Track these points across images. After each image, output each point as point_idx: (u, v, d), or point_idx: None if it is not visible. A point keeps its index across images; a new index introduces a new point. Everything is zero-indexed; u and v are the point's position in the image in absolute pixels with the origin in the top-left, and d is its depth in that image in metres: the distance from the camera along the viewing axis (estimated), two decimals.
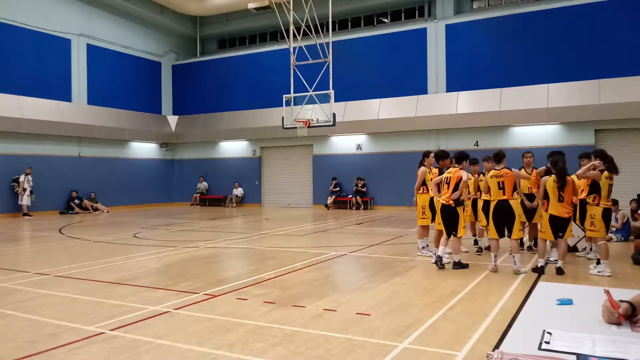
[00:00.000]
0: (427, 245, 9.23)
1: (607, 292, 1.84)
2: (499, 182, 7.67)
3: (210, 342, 4.47)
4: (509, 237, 7.73)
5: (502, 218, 7.69)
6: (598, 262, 7.51)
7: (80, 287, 6.83)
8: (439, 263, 7.84)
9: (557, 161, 7.44)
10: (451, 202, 7.90)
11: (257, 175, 24.18)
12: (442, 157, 8.60)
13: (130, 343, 4.46)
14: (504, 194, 7.65)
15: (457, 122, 19.21)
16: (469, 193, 9.36)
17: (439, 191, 8.17)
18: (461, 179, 7.88)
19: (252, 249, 10.46)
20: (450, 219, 7.95)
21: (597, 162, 7.67)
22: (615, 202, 11.13)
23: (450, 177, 8.02)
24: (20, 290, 6.67)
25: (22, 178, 18.63)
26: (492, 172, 7.83)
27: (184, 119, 25.78)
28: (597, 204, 7.59)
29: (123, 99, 23.34)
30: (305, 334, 4.69)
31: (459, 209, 7.95)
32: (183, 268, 8.23)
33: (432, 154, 9.36)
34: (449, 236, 8.00)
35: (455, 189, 7.89)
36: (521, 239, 8.84)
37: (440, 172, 8.52)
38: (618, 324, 1.74)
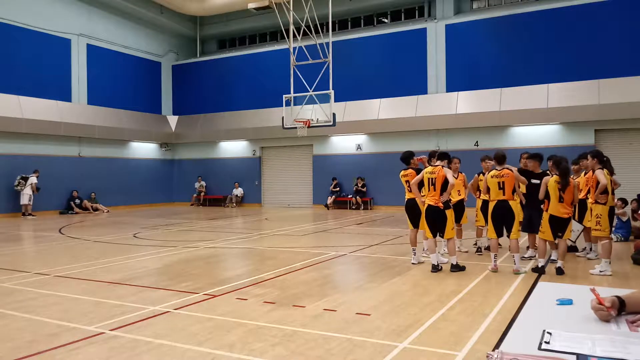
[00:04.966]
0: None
1: (593, 291, 1.87)
2: (499, 182, 7.64)
3: (210, 342, 4.47)
4: (508, 236, 7.72)
5: (502, 218, 7.67)
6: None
7: (80, 287, 6.83)
8: (435, 268, 7.68)
9: (560, 161, 7.44)
10: (440, 204, 7.66)
11: (257, 175, 24.17)
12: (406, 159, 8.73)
13: (130, 343, 4.46)
14: (503, 194, 7.63)
15: (457, 122, 19.19)
16: (479, 193, 9.07)
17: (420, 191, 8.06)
18: (446, 178, 7.57)
19: (252, 249, 10.46)
20: (436, 220, 7.73)
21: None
22: (624, 201, 11.16)
23: (435, 177, 7.69)
24: (20, 290, 6.67)
25: (32, 180, 18.54)
26: (493, 172, 7.77)
27: (184, 119, 25.77)
28: (604, 203, 7.59)
29: (123, 99, 23.33)
30: (305, 334, 4.69)
31: (448, 212, 7.72)
32: (183, 268, 8.23)
33: (437, 154, 9.35)
34: (434, 236, 7.78)
35: (443, 190, 7.66)
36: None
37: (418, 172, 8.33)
38: (610, 318, 1.76)
